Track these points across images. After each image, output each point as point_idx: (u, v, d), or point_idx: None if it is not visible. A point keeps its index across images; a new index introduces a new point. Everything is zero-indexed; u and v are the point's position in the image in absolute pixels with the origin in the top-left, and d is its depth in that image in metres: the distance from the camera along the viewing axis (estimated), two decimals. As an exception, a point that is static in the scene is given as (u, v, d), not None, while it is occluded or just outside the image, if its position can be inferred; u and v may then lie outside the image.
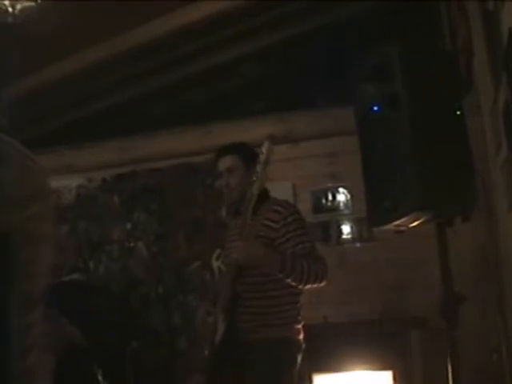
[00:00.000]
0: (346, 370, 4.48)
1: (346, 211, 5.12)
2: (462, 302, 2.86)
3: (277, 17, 5.34)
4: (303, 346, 3.24)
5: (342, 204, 5.13)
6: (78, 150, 5.80)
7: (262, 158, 3.10)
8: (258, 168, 3.10)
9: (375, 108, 2.96)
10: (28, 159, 1.50)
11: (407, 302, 4.72)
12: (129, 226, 5.66)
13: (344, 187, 5.11)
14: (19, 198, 1.41)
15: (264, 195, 3.30)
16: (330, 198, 5.14)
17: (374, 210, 3.00)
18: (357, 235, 5.06)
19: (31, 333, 1.47)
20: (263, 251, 3.12)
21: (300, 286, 3.15)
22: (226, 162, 3.38)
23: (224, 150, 3.43)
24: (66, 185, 5.77)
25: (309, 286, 3.14)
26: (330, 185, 5.15)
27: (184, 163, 5.57)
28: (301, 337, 3.24)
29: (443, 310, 2.85)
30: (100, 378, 3.44)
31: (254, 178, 3.11)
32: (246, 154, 3.36)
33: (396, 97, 2.81)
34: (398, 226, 2.91)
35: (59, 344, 3.06)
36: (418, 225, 2.87)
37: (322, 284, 3.15)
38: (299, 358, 3.21)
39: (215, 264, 5.39)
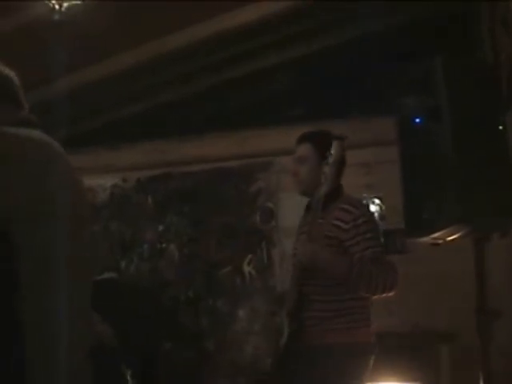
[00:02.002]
0: (373, 381, 4.45)
1: (380, 222, 5.09)
2: (497, 317, 2.84)
3: (315, 26, 5.34)
4: (375, 348, 3.04)
5: (376, 214, 5.10)
6: (115, 150, 5.84)
7: (331, 159, 2.86)
8: (327, 169, 2.87)
9: (417, 120, 2.96)
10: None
11: (437, 316, 4.69)
12: (161, 227, 5.69)
13: (379, 198, 5.09)
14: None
15: (336, 192, 3.07)
16: (364, 208, 5.13)
17: (413, 221, 3.00)
18: (390, 246, 5.03)
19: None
20: (329, 255, 2.93)
21: (366, 295, 2.95)
22: (298, 151, 3.20)
23: (301, 138, 3.24)
24: (101, 184, 5.82)
25: (376, 296, 2.95)
26: (365, 195, 5.13)
27: (218, 168, 5.59)
28: (371, 339, 3.04)
29: (477, 325, 2.84)
30: (129, 378, 3.43)
31: (323, 180, 2.89)
32: (323, 144, 3.01)
33: (438, 109, 2.82)
34: (435, 238, 2.90)
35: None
36: (455, 238, 2.87)
37: (390, 294, 2.93)
38: (371, 361, 3.00)
39: (246, 269, 5.42)
